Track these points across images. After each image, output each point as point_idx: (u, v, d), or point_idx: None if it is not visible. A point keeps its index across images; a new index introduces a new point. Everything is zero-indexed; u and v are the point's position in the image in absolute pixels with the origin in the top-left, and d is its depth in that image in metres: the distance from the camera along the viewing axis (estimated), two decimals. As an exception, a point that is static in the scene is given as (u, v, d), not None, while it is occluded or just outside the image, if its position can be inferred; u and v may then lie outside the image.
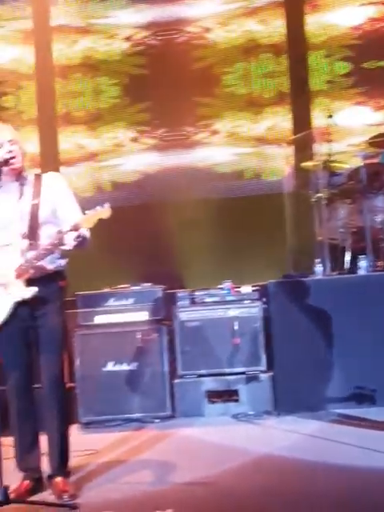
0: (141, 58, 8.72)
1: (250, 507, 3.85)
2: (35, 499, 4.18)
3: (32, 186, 4.41)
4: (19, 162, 4.34)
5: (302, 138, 7.64)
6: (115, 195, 8.49)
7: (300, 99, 8.40)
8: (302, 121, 8.27)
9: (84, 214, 4.17)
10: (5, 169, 4.27)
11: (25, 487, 4.32)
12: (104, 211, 4.13)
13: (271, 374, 6.19)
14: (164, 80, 8.56)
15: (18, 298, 4.25)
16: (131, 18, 8.75)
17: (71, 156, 8.75)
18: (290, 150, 8.08)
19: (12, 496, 3.98)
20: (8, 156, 4.26)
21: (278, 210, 7.39)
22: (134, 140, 8.69)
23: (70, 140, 8.78)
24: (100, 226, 4.18)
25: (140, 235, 8.10)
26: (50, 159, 8.64)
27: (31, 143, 8.46)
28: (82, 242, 4.19)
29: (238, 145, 8.54)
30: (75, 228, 4.11)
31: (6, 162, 4.25)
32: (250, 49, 8.54)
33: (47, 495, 4.27)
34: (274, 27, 8.52)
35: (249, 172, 8.48)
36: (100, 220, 4.13)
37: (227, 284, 6.50)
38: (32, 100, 8.80)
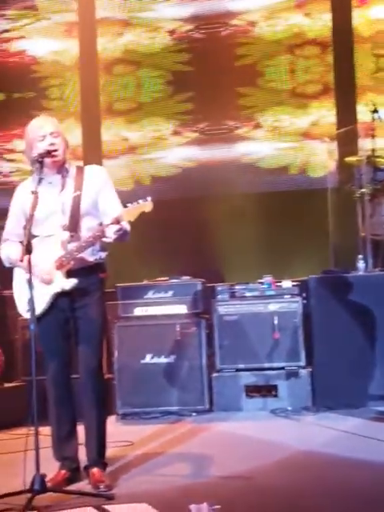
0: (184, 52, 8.71)
1: (285, 503, 3.83)
2: (71, 489, 4.19)
3: (74, 178, 4.42)
4: (61, 154, 4.35)
5: (346, 133, 7.57)
6: (156, 188, 8.49)
7: (345, 94, 8.32)
8: (346, 115, 8.18)
9: (125, 206, 4.16)
10: (47, 160, 4.29)
11: (62, 476, 4.34)
12: (146, 205, 4.12)
13: (310, 369, 6.16)
14: (207, 74, 8.54)
15: (58, 289, 4.27)
16: (175, 12, 8.73)
17: (113, 148, 8.78)
18: (333, 145, 8.02)
19: (49, 485, 4.02)
20: (50, 148, 4.28)
21: (321, 206, 7.34)
22: (176, 133, 8.68)
23: (112, 133, 8.80)
24: (141, 219, 4.18)
25: (181, 229, 8.10)
26: (93, 152, 8.68)
27: (74, 136, 8.50)
28: (122, 235, 4.19)
29: (280, 139, 8.48)
30: (117, 221, 4.11)
31: (48, 154, 4.27)
32: (295, 42, 8.48)
33: (84, 485, 4.28)
34: (320, 21, 8.44)
35: (293, 167, 8.42)
36: (142, 213, 4.13)
37: (267, 278, 6.47)
38: (75, 93, 8.84)
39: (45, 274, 4.26)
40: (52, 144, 4.30)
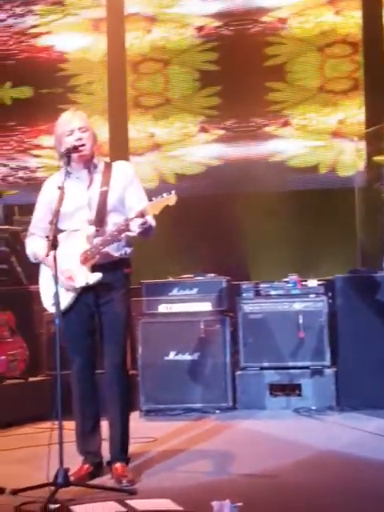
0: (212, 49, 8.69)
1: (307, 501, 3.81)
2: (94, 483, 4.20)
3: (102, 173, 4.43)
4: (88, 149, 4.36)
5: (375, 132, 7.52)
6: (182, 185, 8.49)
7: (374, 92, 8.26)
8: (375, 114, 8.12)
9: (150, 200, 4.17)
10: (74, 155, 4.30)
11: (85, 471, 4.35)
12: (170, 198, 4.11)
13: (335, 369, 6.13)
14: (235, 71, 8.52)
15: (83, 284, 4.28)
16: (204, 8, 8.71)
17: (140, 145, 8.78)
18: (362, 144, 7.97)
19: (72, 479, 4.03)
20: (77, 143, 4.29)
21: (348, 205, 7.30)
22: (203, 130, 8.67)
23: (139, 129, 8.81)
24: (167, 216, 4.18)
25: (207, 226, 8.08)
26: (120, 147, 8.69)
27: (102, 132, 8.52)
28: (147, 229, 4.18)
29: (308, 137, 8.44)
30: (141, 215, 4.12)
31: (76, 149, 4.28)
32: (325, 40, 8.43)
33: (106, 480, 4.29)
34: (351, 18, 8.39)
35: (322, 166, 8.37)
36: (167, 207, 4.12)
37: (293, 277, 6.45)
38: (103, 88, 8.86)
39: (66, 278, 4.27)
40: (79, 139, 4.31)
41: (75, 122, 4.34)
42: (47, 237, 4.15)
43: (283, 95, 8.48)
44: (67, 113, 4.44)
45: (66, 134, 4.32)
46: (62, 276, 4.26)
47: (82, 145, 4.31)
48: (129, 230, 4.17)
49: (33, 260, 4.54)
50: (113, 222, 4.34)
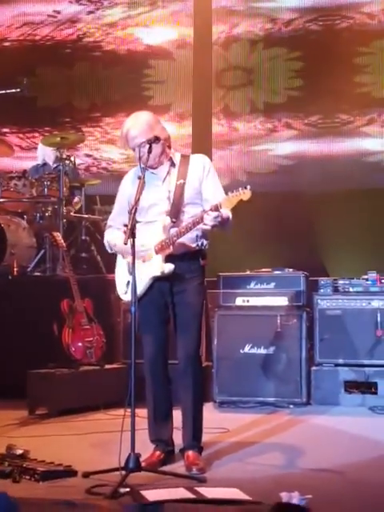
0: (300, 43, 8.65)
1: (374, 500, 3.77)
2: (165, 470, 4.25)
3: (179, 166, 4.45)
4: (155, 158, 4.35)
5: None
6: (264, 180, 8.48)
7: None
8: None
9: (226, 194, 4.18)
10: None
11: (156, 457, 4.40)
12: (245, 193, 4.11)
13: (413, 368, 6.04)
14: (322, 66, 8.46)
15: (158, 273, 4.32)
16: (292, 2, 8.67)
17: (223, 139, 8.80)
18: None
19: (143, 464, 4.08)
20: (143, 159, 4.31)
21: None
22: (287, 126, 8.64)
23: (222, 123, 8.82)
24: (249, 210, 4.18)
25: (287, 221, 8.07)
26: (203, 141, 8.72)
27: (186, 127, 8.59)
28: (222, 222, 4.19)
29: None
30: (215, 208, 4.13)
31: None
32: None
33: (177, 467, 4.33)
34: None
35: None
36: (245, 203, 4.13)
37: (372, 275, 6.37)
38: (189, 81, 8.90)
39: (143, 251, 4.31)
40: (144, 154, 4.30)
41: (134, 140, 4.33)
42: (125, 225, 4.21)
43: (369, 92, 8.38)
44: (127, 125, 4.37)
45: (129, 149, 4.39)
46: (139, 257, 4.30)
47: (145, 160, 4.29)
48: (203, 223, 4.19)
49: (109, 251, 4.61)
50: (189, 214, 4.37)
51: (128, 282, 4.32)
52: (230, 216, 4.28)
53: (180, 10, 8.96)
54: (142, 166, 4.29)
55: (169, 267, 4.30)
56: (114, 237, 4.54)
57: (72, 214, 7.70)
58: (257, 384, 6.20)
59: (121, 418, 4.02)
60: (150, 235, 4.33)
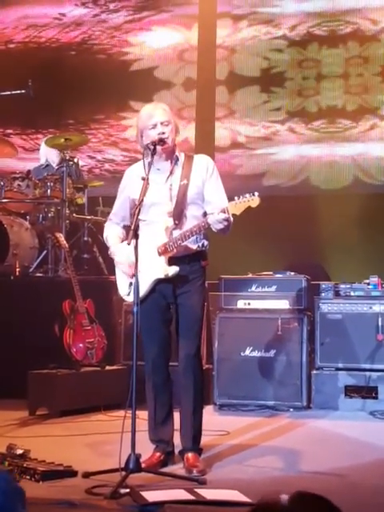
0: (303, 48, 8.66)
1: (374, 503, 3.77)
2: (165, 471, 4.26)
3: (182, 166, 4.46)
4: (171, 142, 4.40)
5: None
6: (267, 183, 8.49)
7: None
8: None
9: (232, 200, 4.18)
10: (158, 148, 4.35)
11: (156, 459, 4.40)
12: (253, 200, 4.12)
13: (413, 373, 6.04)
14: (324, 71, 8.48)
15: (161, 276, 4.33)
16: (296, 8, 8.69)
17: (226, 142, 8.82)
18: None
19: (143, 465, 4.09)
20: (161, 137, 4.33)
21: None
22: (290, 130, 8.65)
23: (226, 126, 8.84)
24: (252, 212, 4.18)
25: (289, 225, 8.07)
26: (206, 144, 8.73)
27: (189, 129, 8.60)
28: (225, 227, 4.21)
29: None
30: (223, 212, 4.13)
31: (160, 142, 4.33)
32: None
33: (177, 469, 4.34)
34: None
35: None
36: (251, 209, 4.13)
37: (374, 279, 6.38)
38: (193, 85, 8.92)
39: (129, 265, 4.31)
40: (162, 133, 4.35)
41: (157, 116, 4.38)
42: (128, 226, 4.22)
43: (370, 97, 8.41)
44: (149, 106, 4.50)
45: (148, 128, 4.36)
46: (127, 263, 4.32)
47: (166, 138, 4.35)
48: (209, 226, 4.20)
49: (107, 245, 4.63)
50: (191, 215, 4.38)
51: (130, 283, 4.33)
52: (232, 220, 4.29)
53: (185, 14, 8.98)
54: (148, 160, 4.28)
55: (173, 270, 4.31)
56: (111, 232, 4.56)
57: (75, 208, 7.70)
58: (257, 387, 6.20)
59: (121, 419, 4.03)
60: (151, 236, 4.33)
